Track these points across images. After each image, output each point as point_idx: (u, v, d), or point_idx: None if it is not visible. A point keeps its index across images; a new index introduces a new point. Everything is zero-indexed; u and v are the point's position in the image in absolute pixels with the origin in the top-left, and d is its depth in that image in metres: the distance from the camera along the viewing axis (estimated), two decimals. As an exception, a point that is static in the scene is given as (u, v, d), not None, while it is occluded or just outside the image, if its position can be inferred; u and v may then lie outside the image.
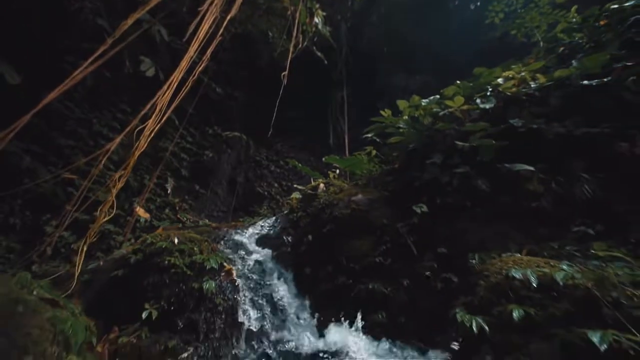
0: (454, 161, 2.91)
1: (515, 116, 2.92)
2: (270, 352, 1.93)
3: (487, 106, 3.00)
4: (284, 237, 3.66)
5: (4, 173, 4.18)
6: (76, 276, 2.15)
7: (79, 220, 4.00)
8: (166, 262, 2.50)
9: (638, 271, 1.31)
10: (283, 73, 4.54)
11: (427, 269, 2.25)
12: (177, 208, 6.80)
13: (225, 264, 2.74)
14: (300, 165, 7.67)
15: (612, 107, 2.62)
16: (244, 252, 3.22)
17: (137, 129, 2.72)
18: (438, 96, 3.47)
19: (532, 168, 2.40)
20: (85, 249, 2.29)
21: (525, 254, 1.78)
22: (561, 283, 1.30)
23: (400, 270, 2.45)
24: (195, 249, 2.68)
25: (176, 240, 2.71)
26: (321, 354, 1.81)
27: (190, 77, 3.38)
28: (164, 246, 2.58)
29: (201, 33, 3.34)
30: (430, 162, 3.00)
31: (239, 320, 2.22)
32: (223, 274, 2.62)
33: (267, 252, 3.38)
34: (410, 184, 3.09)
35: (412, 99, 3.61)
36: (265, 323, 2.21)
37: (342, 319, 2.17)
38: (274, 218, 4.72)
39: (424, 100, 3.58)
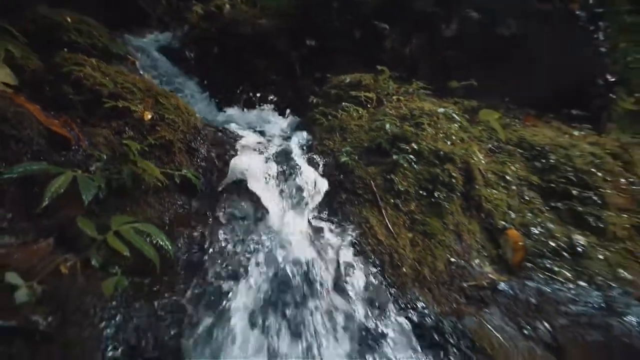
0: (348, 10, 3.86)
1: (402, -19, 3.91)
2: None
3: (386, -37, 3.80)
4: (187, 52, 4.15)
5: None
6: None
7: None
8: (65, 38, 2.78)
9: (392, 83, 2.90)
10: None
11: (304, 85, 3.58)
12: None
13: (129, 56, 3.23)
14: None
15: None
16: (146, 53, 3.65)
17: None
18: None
19: (387, 27, 3.67)
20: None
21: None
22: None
23: (288, 86, 3.72)
24: (94, 32, 2.98)
25: (69, 19, 2.87)
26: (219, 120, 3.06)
27: None
28: (58, 21, 2.76)
29: None
30: (329, 6, 3.84)
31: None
32: (128, 62, 3.16)
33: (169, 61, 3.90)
34: (310, 23, 3.96)
35: None
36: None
37: (237, 107, 3.38)
38: (170, 33, 4.82)
39: None
